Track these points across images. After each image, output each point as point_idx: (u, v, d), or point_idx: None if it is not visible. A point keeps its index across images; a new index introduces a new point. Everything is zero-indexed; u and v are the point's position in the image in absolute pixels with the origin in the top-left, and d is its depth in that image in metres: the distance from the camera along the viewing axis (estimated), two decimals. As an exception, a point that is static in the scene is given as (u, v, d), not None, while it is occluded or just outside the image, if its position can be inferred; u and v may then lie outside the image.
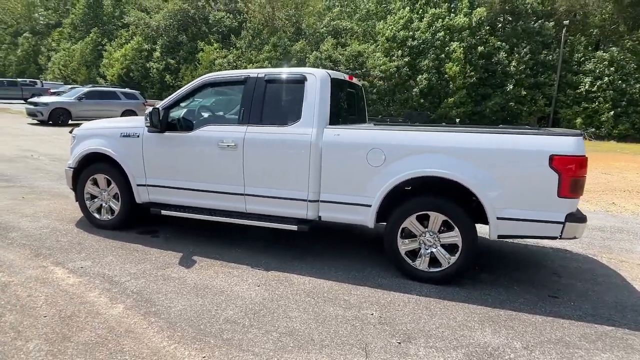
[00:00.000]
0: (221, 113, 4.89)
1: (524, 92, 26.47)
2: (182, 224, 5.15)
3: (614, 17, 28.16)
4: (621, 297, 3.71)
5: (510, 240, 5.17)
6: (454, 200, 3.66)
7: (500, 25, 29.05)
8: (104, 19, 44.57)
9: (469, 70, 26.99)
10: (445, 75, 27.99)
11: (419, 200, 3.77)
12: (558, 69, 26.27)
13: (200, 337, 2.80)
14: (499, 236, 3.58)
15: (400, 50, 29.48)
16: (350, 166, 3.90)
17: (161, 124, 4.43)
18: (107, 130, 4.90)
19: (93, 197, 5.01)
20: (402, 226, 3.81)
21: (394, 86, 30.53)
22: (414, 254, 3.85)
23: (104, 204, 4.96)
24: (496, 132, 3.71)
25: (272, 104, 4.24)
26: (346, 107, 4.78)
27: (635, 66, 25.07)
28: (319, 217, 4.09)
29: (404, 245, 3.84)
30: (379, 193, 3.79)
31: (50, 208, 5.67)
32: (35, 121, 17.49)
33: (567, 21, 26.59)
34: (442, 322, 3.12)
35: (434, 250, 3.77)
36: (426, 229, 3.76)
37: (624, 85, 24.84)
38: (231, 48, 35.78)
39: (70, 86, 29.05)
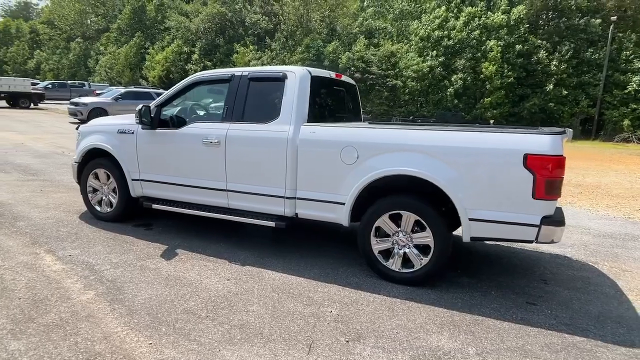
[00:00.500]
0: (208, 111, 5.01)
1: (565, 92, 25.20)
2: (176, 218, 5.31)
3: (668, 13, 26.32)
4: (608, 307, 3.49)
5: (506, 244, 4.97)
6: (427, 200, 3.57)
7: (541, 22, 27.82)
8: (147, 24, 46.51)
9: (506, 70, 26.05)
10: (481, 75, 27.17)
11: (392, 199, 3.70)
12: (604, 67, 24.83)
13: (154, 325, 2.89)
14: (472, 238, 3.46)
15: (434, 50, 28.91)
16: (325, 164, 3.89)
17: (153, 121, 4.60)
18: (107, 127, 5.14)
19: (95, 190, 5.26)
20: (375, 225, 3.75)
21: (427, 87, 29.98)
22: (387, 253, 3.79)
23: (104, 197, 5.21)
24: (469, 130, 3.58)
25: (254, 102, 4.30)
26: (333, 105, 4.77)
27: (690, 65, 23.32)
28: (296, 214, 4.10)
29: (376, 245, 3.78)
30: (352, 191, 3.75)
31: (61, 200, 6.01)
32: (76, 120, 18.51)
33: (616, 17, 25.08)
34: (400, 324, 3.05)
35: (407, 250, 3.69)
36: (399, 229, 3.69)
37: (677, 85, 23.16)
38: (266, 50, 36.37)
39: (115, 88, 30.55)
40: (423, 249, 3.64)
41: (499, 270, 4.23)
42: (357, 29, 34.99)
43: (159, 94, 19.80)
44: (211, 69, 38.77)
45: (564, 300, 3.57)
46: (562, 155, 3.17)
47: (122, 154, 4.90)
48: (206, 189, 4.46)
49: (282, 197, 4.07)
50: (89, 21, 57.68)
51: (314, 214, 4.04)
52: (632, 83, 24.03)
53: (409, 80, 29.68)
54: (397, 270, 3.72)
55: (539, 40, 25.95)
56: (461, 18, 27.96)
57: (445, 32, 28.35)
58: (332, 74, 4.68)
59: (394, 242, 3.73)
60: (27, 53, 58.68)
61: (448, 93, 28.54)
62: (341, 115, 4.91)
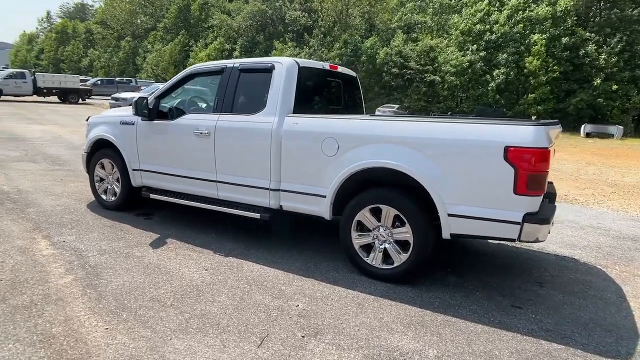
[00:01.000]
0: (201, 102, 5.04)
1: (615, 87, 23.56)
2: (176, 208, 5.39)
3: None
4: (602, 314, 3.19)
5: (510, 243, 4.68)
6: (406, 194, 3.41)
7: (591, 14, 26.13)
8: (191, 22, 47.97)
9: (551, 64, 24.71)
10: (525, 70, 25.95)
11: (372, 193, 3.56)
12: (661, 60, 23.03)
13: (117, 311, 2.94)
14: (452, 235, 3.26)
15: (475, 45, 27.90)
16: (307, 155, 3.80)
17: (150, 112, 4.69)
18: (111, 119, 5.30)
19: (102, 179, 5.45)
20: (357, 219, 3.63)
21: (467, 82, 29.00)
22: (368, 248, 3.66)
23: (109, 187, 5.38)
24: (448, 121, 3.38)
25: (243, 93, 4.28)
26: (327, 97, 4.66)
27: None
28: (281, 206, 4.05)
29: (357, 239, 3.66)
30: (333, 184, 3.65)
31: (76, 189, 6.28)
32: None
33: (676, 6, 23.18)
34: (365, 321, 2.93)
35: (387, 245, 3.54)
36: (380, 223, 3.55)
37: None
38: (304, 47, 36.51)
39: (159, 84, 31.77)
40: (403, 244, 3.48)
41: (493, 270, 3.99)
42: (395, 23, 34.38)
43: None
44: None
45: (554, 305, 3.31)
46: (546, 148, 2.92)
47: (123, 144, 5.04)
48: (198, 179, 4.49)
49: (267, 189, 4.03)
50: (138, 21, 60.28)
51: (297, 207, 3.97)
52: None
53: (447, 75, 28.84)
54: (377, 266, 3.59)
55: (587, 33, 24.40)
56: (504, 11, 26.80)
57: (487, 26, 27.27)
58: (326, 65, 4.57)
59: (375, 236, 3.60)
60: (82, 52, 62.18)
61: (489, 88, 27.52)
62: (336, 108, 4.80)
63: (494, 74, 26.82)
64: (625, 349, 2.72)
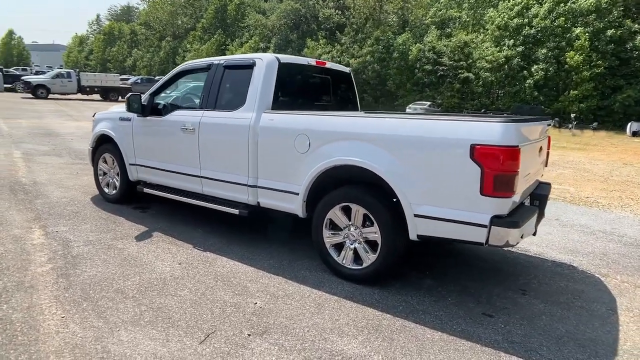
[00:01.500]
0: (190, 99, 5.09)
1: (666, 84, 21.97)
2: (171, 203, 5.45)
3: None
4: (582, 327, 2.96)
5: (506, 248, 4.43)
6: (375, 193, 3.29)
7: (641, 4, 24.50)
8: (228, 22, 48.95)
9: (595, 59, 23.34)
10: (566, 66, 24.66)
11: (342, 191, 3.47)
12: None
13: (79, 301, 3.01)
14: (420, 237, 3.12)
15: (512, 40, 26.80)
16: (282, 152, 3.76)
17: (144, 108, 4.80)
18: (112, 115, 5.47)
19: (104, 173, 5.65)
20: (328, 217, 3.56)
21: (504, 78, 27.92)
22: (340, 247, 3.57)
23: (110, 180, 5.57)
24: (414, 117, 3.23)
25: (226, 90, 4.29)
26: (312, 94, 4.59)
27: None
28: (258, 203, 4.03)
29: (329, 238, 3.58)
30: (305, 181, 3.59)
31: (87, 183, 6.53)
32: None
33: None
34: (318, 322, 2.86)
35: (357, 245, 3.45)
36: (350, 222, 3.46)
37: None
38: (335, 44, 36.39)
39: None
40: (373, 245, 3.37)
41: (477, 275, 3.79)
42: (429, 19, 33.60)
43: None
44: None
45: (530, 315, 3.10)
46: (516, 146, 2.73)
47: (121, 139, 5.19)
48: (184, 174, 4.55)
49: (245, 185, 4.02)
50: (179, 21, 62.18)
51: (273, 204, 3.94)
52: None
53: (482, 71, 27.88)
54: (347, 266, 3.50)
55: (636, 25, 22.86)
56: (545, 4, 25.56)
57: (526, 20, 26.12)
58: (312, 61, 4.51)
59: (346, 235, 3.51)
60: (126, 52, 64.93)
61: (527, 85, 26.37)
62: (324, 104, 4.72)
63: (532, 69, 25.67)
64: (594, 366, 2.50)
